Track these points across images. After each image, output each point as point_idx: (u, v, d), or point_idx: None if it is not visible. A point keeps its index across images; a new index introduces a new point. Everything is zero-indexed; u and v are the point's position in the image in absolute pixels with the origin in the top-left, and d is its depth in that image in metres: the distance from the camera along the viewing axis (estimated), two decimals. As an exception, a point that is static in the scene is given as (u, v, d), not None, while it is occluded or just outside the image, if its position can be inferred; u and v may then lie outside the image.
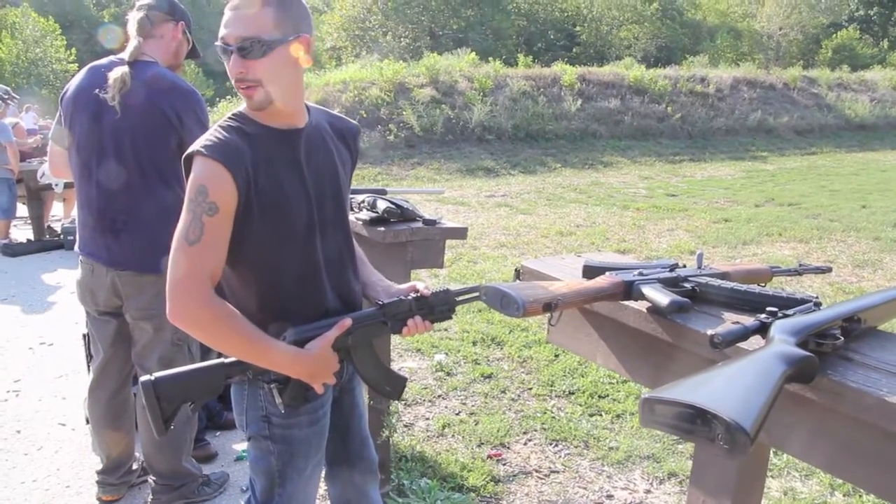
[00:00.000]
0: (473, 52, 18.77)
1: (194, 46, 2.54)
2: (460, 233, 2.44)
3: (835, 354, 1.07)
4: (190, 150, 1.40)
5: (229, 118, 1.47)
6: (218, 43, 1.39)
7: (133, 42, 2.34)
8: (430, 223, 2.32)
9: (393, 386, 1.65)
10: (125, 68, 2.27)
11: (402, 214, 2.30)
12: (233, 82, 1.41)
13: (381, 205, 2.28)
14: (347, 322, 1.49)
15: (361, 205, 2.37)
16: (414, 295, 1.58)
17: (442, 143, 14.02)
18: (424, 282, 1.64)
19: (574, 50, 34.86)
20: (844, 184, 11.58)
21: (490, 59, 18.08)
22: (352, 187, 2.48)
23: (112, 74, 2.26)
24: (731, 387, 0.84)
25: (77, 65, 28.24)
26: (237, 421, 1.61)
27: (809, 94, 20.12)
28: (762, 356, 0.94)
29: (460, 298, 1.60)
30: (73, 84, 2.40)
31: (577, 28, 36.86)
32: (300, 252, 1.50)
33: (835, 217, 8.41)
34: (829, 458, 1.09)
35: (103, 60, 2.39)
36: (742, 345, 1.10)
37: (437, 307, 1.58)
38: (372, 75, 15.23)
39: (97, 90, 2.29)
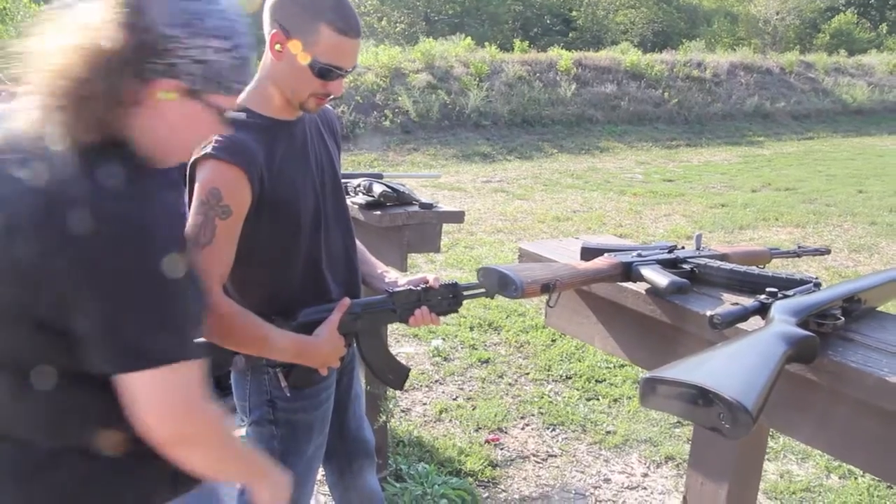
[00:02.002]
0: (469, 38, 18.64)
1: None
2: (457, 216, 2.42)
3: (835, 335, 1.06)
4: (199, 152, 1.37)
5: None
6: (330, 66, 1.37)
7: None
8: (427, 207, 2.30)
9: (396, 375, 1.65)
10: None
11: (398, 198, 2.28)
12: (314, 97, 1.41)
13: (378, 188, 2.27)
14: (346, 301, 1.49)
15: (357, 189, 2.35)
16: (423, 286, 1.58)
17: (438, 129, 13.94)
18: (433, 273, 1.64)
19: (570, 35, 34.67)
20: (841, 168, 11.56)
21: (486, 44, 17.93)
22: (347, 172, 2.47)
23: None
24: (733, 366, 0.83)
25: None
26: (238, 406, 1.60)
27: (806, 79, 20.06)
28: (763, 336, 0.93)
29: (468, 293, 1.60)
30: None
31: (573, 13, 36.65)
32: (307, 245, 1.50)
33: (831, 202, 8.41)
34: (828, 440, 1.09)
35: None
36: (741, 325, 1.09)
37: (445, 299, 1.58)
38: (367, 61, 15.11)
39: None
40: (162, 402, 0.94)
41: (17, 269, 0.89)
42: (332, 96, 1.43)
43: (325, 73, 1.37)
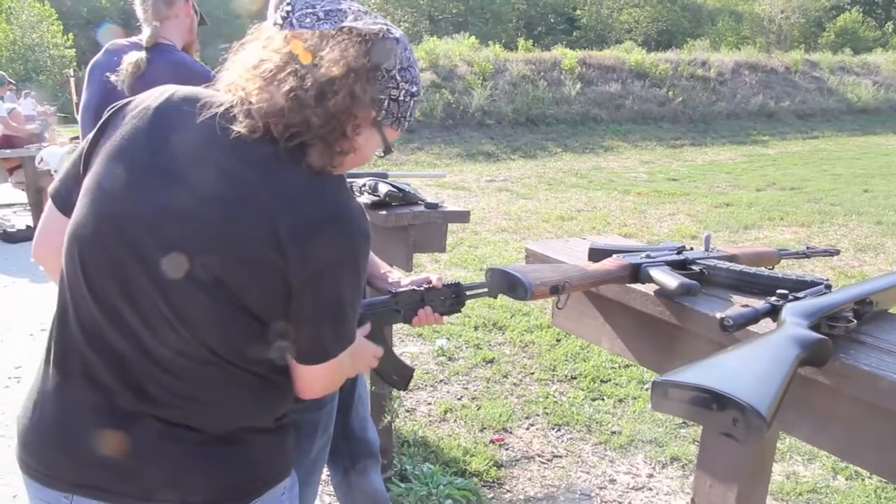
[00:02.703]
0: (473, 37, 18.63)
1: (201, 15, 2.50)
2: (462, 216, 2.41)
3: (846, 337, 1.05)
4: None
5: None
6: None
7: (148, 28, 2.28)
8: (433, 206, 2.29)
9: (400, 375, 1.64)
10: (141, 53, 2.22)
11: (403, 198, 2.27)
12: None
13: (383, 188, 2.26)
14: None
15: (363, 188, 2.35)
16: (426, 286, 1.58)
17: (442, 128, 13.94)
18: (437, 273, 1.63)
19: (574, 34, 34.69)
20: (846, 168, 11.53)
21: (490, 43, 17.94)
22: (352, 171, 2.46)
23: (126, 58, 2.20)
24: (746, 370, 0.82)
25: (74, 50, 27.97)
26: None
27: (811, 78, 20.00)
28: (775, 339, 0.92)
29: (471, 293, 1.59)
30: (90, 65, 2.36)
31: (578, 11, 36.63)
32: None
33: (836, 201, 8.38)
34: (838, 443, 1.08)
35: (123, 41, 2.34)
36: (751, 328, 1.08)
37: (448, 299, 1.58)
38: (371, 59, 15.10)
39: (107, 73, 2.23)
40: (325, 383, 1.12)
41: (248, 271, 0.97)
42: None
43: None
